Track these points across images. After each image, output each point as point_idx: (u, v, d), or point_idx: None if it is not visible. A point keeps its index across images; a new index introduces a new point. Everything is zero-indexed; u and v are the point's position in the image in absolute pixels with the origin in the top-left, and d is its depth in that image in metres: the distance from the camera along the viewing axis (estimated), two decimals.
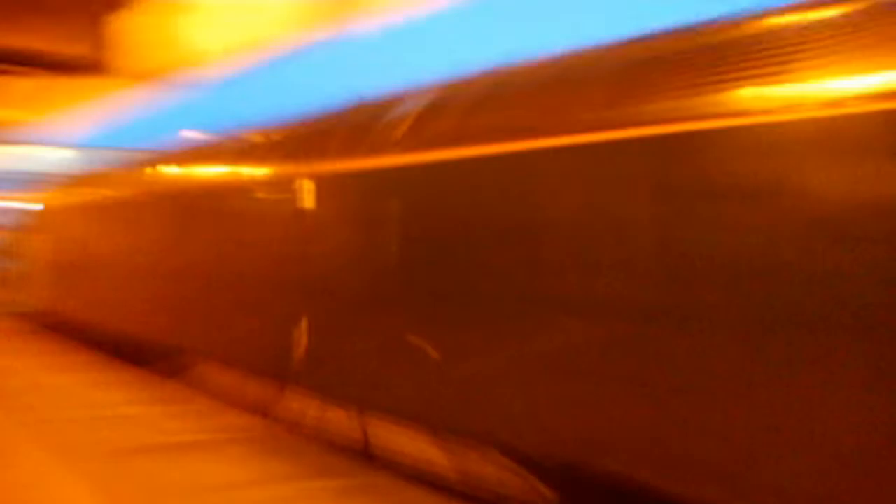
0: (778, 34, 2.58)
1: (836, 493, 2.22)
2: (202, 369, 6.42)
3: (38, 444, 4.52)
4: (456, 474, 3.88)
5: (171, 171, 7.16)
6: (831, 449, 2.22)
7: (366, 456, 4.33)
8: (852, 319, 2.16)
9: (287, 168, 4.94)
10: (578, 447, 2.95)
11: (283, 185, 4.85)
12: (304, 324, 4.48)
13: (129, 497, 3.52)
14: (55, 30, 7.76)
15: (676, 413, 2.60)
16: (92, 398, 5.67)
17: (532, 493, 3.47)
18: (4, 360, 7.32)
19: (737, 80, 2.52)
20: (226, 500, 3.40)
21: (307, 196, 4.57)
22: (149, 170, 7.60)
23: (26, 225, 11.96)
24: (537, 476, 3.42)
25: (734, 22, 2.81)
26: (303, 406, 4.88)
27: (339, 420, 4.64)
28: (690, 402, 2.56)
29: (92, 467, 3.96)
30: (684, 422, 2.58)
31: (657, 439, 2.66)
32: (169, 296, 6.48)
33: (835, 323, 2.20)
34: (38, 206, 11.65)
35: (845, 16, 2.42)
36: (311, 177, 4.59)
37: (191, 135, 7.27)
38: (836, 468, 2.21)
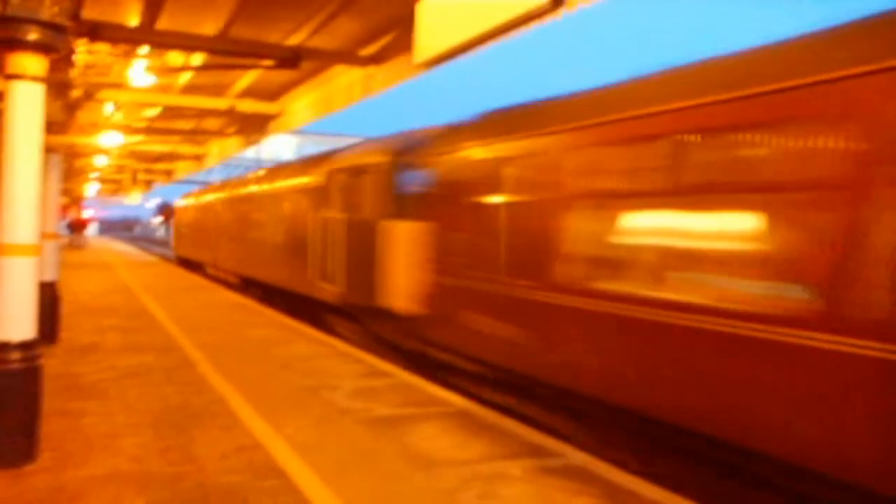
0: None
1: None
2: (211, 270, 17.72)
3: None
4: (225, 280, 14.85)
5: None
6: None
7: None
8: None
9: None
10: (249, 274, 13.98)
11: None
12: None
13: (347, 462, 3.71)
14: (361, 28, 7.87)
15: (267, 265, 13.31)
16: (329, 370, 6.09)
17: (240, 284, 14.39)
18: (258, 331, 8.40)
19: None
20: (435, 478, 3.42)
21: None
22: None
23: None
24: (242, 281, 14.27)
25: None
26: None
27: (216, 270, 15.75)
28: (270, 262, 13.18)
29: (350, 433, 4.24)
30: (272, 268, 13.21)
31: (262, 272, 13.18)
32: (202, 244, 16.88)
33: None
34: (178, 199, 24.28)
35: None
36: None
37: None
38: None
